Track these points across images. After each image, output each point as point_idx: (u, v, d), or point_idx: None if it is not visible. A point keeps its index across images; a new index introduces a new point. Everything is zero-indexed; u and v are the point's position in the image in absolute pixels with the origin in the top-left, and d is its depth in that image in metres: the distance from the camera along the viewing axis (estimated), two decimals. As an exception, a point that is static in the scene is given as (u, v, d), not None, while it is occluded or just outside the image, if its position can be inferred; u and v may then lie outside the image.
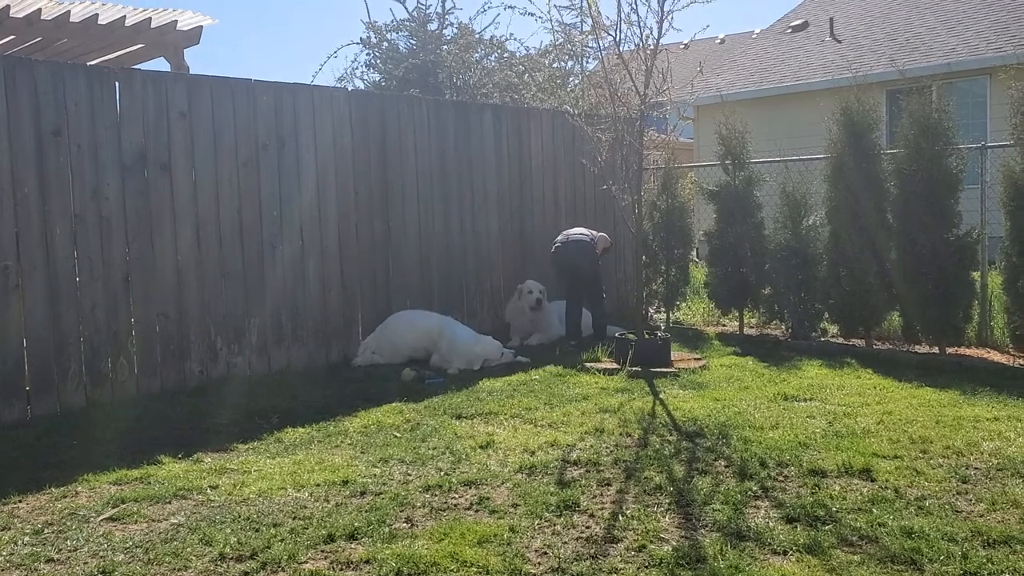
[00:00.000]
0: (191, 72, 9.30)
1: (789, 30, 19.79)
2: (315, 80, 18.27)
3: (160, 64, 10.31)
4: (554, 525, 4.04)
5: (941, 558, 3.55)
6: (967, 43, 15.61)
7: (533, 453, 5.12)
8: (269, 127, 7.67)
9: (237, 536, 3.94)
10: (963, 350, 8.01)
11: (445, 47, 14.99)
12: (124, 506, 4.40)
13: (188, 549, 3.83)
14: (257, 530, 4.03)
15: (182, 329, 7.12)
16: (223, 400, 6.70)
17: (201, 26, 9.88)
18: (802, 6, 20.96)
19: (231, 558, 3.74)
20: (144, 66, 10.18)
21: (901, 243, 8.02)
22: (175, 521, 4.19)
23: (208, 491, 4.60)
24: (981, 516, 4.01)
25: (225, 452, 5.38)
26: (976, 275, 7.97)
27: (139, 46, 10.03)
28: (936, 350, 7.99)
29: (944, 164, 7.79)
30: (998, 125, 12.35)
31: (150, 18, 9.43)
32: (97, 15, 9.05)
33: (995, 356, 7.79)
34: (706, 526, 3.99)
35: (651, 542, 3.80)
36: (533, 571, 3.57)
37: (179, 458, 5.22)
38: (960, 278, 7.81)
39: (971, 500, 4.22)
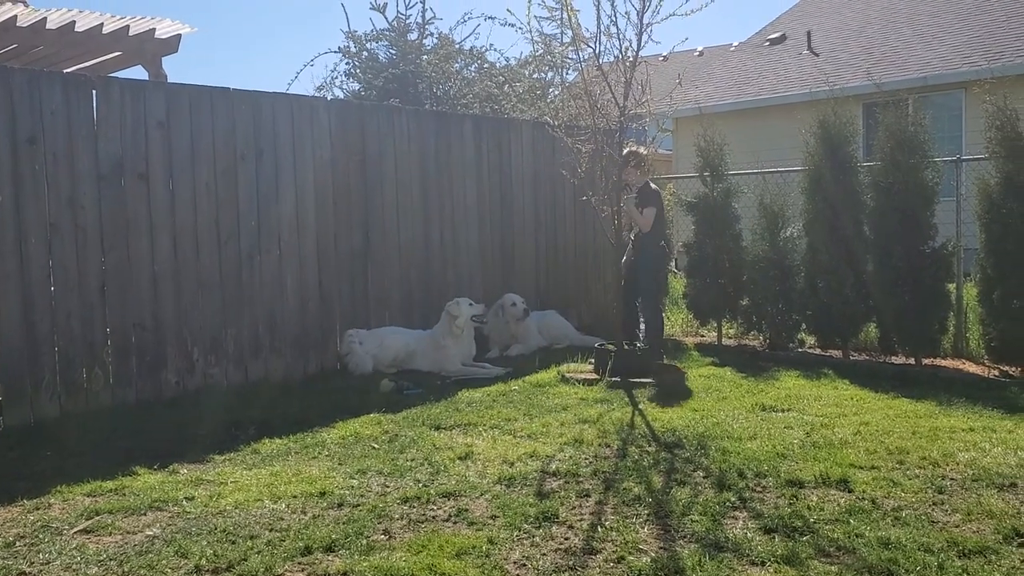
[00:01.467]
0: (169, 81, 9.25)
1: (767, 43, 19.96)
2: (291, 88, 18.22)
3: (138, 72, 10.27)
4: (533, 537, 4.02)
5: (917, 568, 3.57)
6: (942, 57, 15.81)
7: (512, 464, 5.11)
8: (248, 136, 7.63)
9: (213, 548, 3.90)
10: (939, 361, 8.08)
11: (425, 57, 14.99)
12: (98, 518, 4.35)
13: (163, 561, 3.79)
14: (233, 542, 3.99)
15: (158, 339, 7.06)
16: (199, 411, 6.65)
17: (180, 34, 9.83)
18: (780, 19, 21.16)
19: (207, 570, 3.70)
20: (122, 74, 10.14)
21: (877, 255, 8.10)
22: (150, 533, 4.14)
23: (184, 503, 4.55)
24: (957, 526, 4.04)
25: (201, 463, 5.33)
26: (952, 287, 8.05)
27: (117, 54, 9.96)
28: (912, 361, 8.06)
29: (920, 177, 7.88)
30: (973, 138, 12.50)
31: (128, 26, 9.37)
32: (74, 22, 8.99)
33: (970, 367, 7.87)
34: (684, 537, 3.99)
35: (630, 553, 3.80)
36: (511, 583, 3.55)
37: (154, 469, 5.17)
38: (936, 290, 7.89)
39: (947, 510, 4.25)
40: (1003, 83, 7.58)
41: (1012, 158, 7.32)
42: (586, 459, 5.19)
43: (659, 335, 8.52)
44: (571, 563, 3.72)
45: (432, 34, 15.66)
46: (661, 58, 20.67)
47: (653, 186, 8.57)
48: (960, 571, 3.54)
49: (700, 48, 27.21)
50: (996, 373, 7.56)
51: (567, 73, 15.92)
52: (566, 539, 4.00)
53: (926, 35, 16.89)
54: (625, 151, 8.37)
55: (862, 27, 18.53)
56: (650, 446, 5.45)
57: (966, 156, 8.90)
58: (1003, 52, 14.98)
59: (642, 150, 8.64)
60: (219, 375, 7.43)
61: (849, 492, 4.52)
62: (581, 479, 4.83)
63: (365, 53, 15.39)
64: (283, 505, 4.49)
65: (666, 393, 6.97)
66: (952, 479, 4.70)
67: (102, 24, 9.21)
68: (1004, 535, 3.90)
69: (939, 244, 7.91)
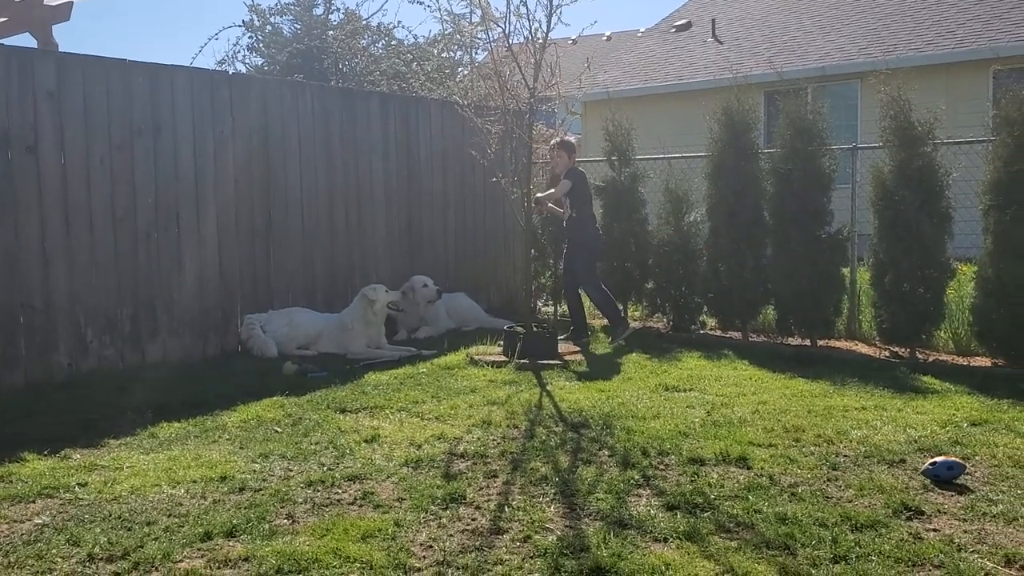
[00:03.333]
0: (61, 50, 8.83)
1: (673, 30, 20.24)
2: (195, 63, 17.70)
3: (26, 40, 9.77)
4: (440, 518, 4.01)
5: (813, 543, 3.69)
6: (840, 48, 16.30)
7: (419, 447, 5.08)
8: (145, 110, 7.36)
9: (108, 535, 3.77)
10: (833, 342, 8.36)
11: (331, 32, 14.74)
12: (-18, 507, 4.15)
13: (54, 550, 3.64)
14: (129, 529, 3.86)
15: (49, 320, 6.77)
16: (93, 394, 6.41)
17: (71, 2, 9.40)
18: (686, 7, 21.48)
19: (101, 559, 3.57)
20: (8, 41, 9.63)
21: (776, 240, 8.32)
22: (39, 521, 3.97)
23: (76, 489, 4.39)
24: (850, 502, 4.19)
25: (95, 448, 5.14)
26: (846, 271, 8.33)
27: (2, 20, 9.46)
28: (808, 342, 8.32)
29: (817, 164, 8.11)
30: (868, 127, 12.93)
31: (15, -9, 8.93)
32: (-44, -15, 8.51)
33: (863, 348, 8.16)
34: (590, 515, 4.03)
35: (536, 532, 3.82)
36: (418, 565, 3.53)
37: (45, 455, 4.96)
38: (831, 274, 8.15)
39: (840, 486, 4.39)
40: (897, 74, 7.83)
41: (904, 147, 7.59)
42: (494, 440, 5.20)
43: (614, 308, 8.70)
44: (478, 543, 3.72)
45: (338, 9, 15.45)
46: (571, 41, 20.77)
47: (580, 169, 8.68)
48: (853, 544, 3.66)
49: (608, 33, 27.45)
50: (887, 354, 7.86)
51: (476, 53, 15.84)
52: (473, 520, 4.00)
53: (825, 26, 17.38)
54: (555, 139, 8.47)
55: (764, 16, 18.95)
56: (557, 426, 5.49)
57: (861, 144, 9.18)
58: (897, 45, 15.53)
59: (572, 138, 8.73)
60: (114, 357, 7.18)
61: (748, 469, 4.64)
62: (489, 460, 4.83)
63: (269, 27, 15.07)
64: (182, 490, 4.36)
65: (573, 374, 7.04)
66: (845, 456, 4.86)
67: (-14, -12, 8.75)
68: (894, 509, 4.06)
69: (835, 229, 8.17)
